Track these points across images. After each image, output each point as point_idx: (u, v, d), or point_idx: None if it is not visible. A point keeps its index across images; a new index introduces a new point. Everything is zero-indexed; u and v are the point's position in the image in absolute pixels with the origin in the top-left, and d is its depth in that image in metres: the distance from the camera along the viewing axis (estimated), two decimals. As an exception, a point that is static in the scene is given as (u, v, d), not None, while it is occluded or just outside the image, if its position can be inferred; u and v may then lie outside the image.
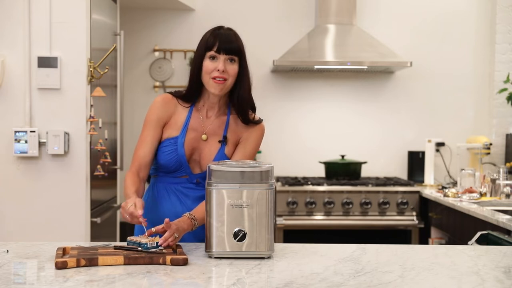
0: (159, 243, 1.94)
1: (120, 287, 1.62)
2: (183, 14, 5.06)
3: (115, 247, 1.99)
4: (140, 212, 1.99)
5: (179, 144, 2.27)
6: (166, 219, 1.99)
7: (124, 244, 2.01)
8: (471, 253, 2.12)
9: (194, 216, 2.11)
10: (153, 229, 2.00)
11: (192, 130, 2.30)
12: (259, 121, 2.36)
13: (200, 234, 2.15)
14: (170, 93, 2.35)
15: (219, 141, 2.31)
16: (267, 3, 5.17)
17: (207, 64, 2.21)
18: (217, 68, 2.20)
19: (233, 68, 2.22)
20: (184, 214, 2.12)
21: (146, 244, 1.93)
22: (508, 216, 3.33)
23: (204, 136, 2.30)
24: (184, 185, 2.31)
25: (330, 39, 4.89)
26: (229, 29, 2.28)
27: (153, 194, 2.36)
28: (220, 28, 2.27)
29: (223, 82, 2.22)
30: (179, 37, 5.13)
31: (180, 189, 2.31)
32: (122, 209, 2.04)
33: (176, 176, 2.31)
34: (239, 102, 2.28)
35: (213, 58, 2.21)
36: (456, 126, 5.20)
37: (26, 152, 3.46)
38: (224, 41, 2.20)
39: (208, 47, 2.21)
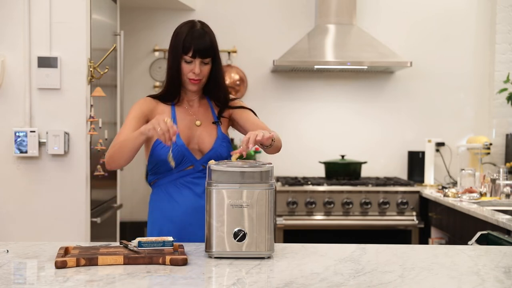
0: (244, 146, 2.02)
1: (120, 287, 1.62)
2: (183, 14, 5.05)
3: (124, 245, 1.98)
4: (175, 127, 2.05)
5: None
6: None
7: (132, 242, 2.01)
8: (471, 253, 2.12)
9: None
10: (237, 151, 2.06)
11: (181, 121, 2.34)
12: (241, 104, 2.44)
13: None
14: (148, 96, 2.43)
15: (213, 123, 2.37)
16: (267, 3, 5.16)
17: (184, 65, 2.32)
18: (193, 71, 2.30)
19: (207, 68, 2.33)
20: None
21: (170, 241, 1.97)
22: (508, 216, 3.32)
23: (198, 122, 2.37)
24: (192, 176, 2.32)
25: (330, 39, 4.89)
26: (202, 27, 2.33)
27: (160, 196, 2.34)
28: (193, 26, 2.32)
29: (198, 82, 2.34)
30: (179, 37, 5.12)
31: (189, 180, 2.32)
32: (156, 120, 2.05)
33: (180, 170, 2.31)
34: (216, 89, 2.39)
35: (188, 61, 2.30)
36: (456, 126, 5.20)
37: (26, 152, 3.46)
38: (198, 46, 2.28)
39: (184, 51, 2.29)
